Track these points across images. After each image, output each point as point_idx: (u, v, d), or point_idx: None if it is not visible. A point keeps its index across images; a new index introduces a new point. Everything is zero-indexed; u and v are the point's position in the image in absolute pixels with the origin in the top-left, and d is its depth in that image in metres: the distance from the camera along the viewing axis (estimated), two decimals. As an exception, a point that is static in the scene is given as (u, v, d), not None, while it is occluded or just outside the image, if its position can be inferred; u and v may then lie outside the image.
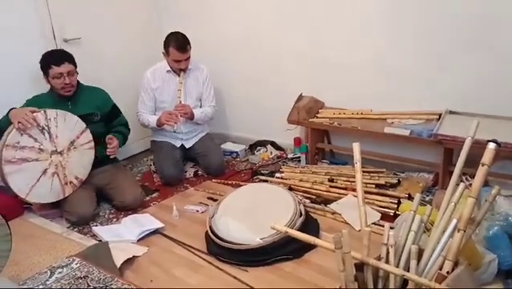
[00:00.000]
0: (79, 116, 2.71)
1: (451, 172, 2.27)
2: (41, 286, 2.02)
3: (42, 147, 2.57)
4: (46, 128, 2.57)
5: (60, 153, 2.65)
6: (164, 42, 3.17)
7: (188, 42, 3.14)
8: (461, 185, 1.56)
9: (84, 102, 2.83)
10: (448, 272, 1.43)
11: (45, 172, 2.60)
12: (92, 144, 2.78)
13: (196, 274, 2.13)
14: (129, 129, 3.11)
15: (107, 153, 2.81)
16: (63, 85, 2.70)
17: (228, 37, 3.60)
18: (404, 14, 2.76)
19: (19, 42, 2.96)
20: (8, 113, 2.56)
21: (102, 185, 2.88)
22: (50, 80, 2.71)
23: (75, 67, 2.75)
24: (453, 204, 1.54)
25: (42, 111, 2.56)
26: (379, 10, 2.84)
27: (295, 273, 2.08)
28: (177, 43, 3.09)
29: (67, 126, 2.66)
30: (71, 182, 2.71)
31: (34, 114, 2.51)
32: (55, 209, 2.78)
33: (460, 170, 1.60)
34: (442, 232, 1.54)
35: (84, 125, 2.73)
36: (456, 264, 1.47)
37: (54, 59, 2.69)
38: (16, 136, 2.48)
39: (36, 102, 2.70)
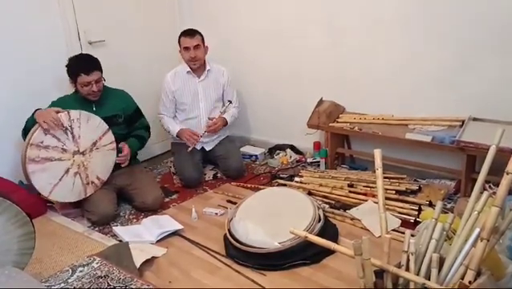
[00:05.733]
0: (103, 118, 2.75)
1: (473, 180, 2.24)
2: (62, 284, 2.06)
3: (64, 147, 2.62)
4: (69, 128, 2.62)
5: (82, 154, 2.69)
6: (178, 40, 3.27)
7: (198, 31, 3.22)
8: (485, 194, 1.53)
9: (108, 104, 2.87)
10: (470, 282, 1.41)
11: (67, 171, 2.64)
12: (114, 145, 2.82)
13: (213, 277, 2.14)
14: (149, 132, 3.15)
15: (117, 161, 2.84)
16: (90, 92, 2.74)
17: (249, 41, 3.61)
18: (427, 19, 2.73)
19: (45, 45, 3.03)
20: (33, 114, 2.61)
21: (123, 185, 2.91)
22: (78, 86, 2.74)
23: (102, 72, 2.79)
24: (476, 212, 1.52)
25: (66, 112, 2.61)
26: (403, 14, 2.82)
27: (313, 278, 2.07)
28: (185, 31, 3.23)
29: (90, 127, 2.70)
30: (92, 182, 2.76)
31: (59, 114, 2.57)
32: (77, 208, 2.83)
33: (483, 178, 1.57)
34: (464, 241, 1.51)
35: (107, 127, 2.77)
36: (478, 274, 1.45)
37: (83, 67, 2.71)
38: (40, 136, 2.53)
39: (61, 103, 2.74)
